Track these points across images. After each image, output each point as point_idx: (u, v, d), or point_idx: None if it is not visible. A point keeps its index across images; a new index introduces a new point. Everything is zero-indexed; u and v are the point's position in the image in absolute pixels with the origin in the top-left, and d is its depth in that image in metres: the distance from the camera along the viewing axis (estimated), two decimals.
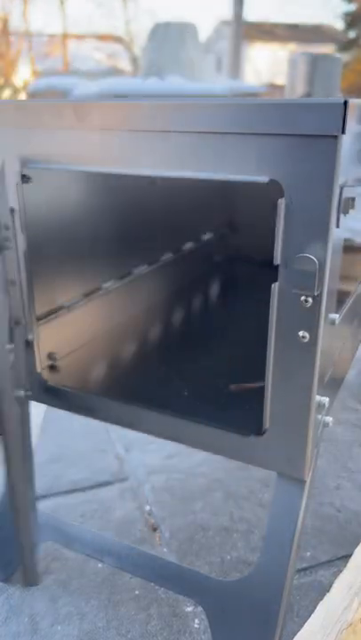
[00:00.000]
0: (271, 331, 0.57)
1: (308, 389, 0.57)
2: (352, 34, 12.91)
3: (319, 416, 0.62)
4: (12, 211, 0.67)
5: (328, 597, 0.61)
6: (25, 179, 0.68)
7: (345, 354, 0.81)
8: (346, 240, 0.62)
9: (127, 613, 0.76)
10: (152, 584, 0.80)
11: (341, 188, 0.53)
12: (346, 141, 0.51)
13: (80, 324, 0.86)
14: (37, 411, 0.83)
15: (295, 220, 0.52)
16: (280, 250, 0.54)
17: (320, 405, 0.60)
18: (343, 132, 0.48)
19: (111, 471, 1.06)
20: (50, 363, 0.80)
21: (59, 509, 0.96)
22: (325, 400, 0.61)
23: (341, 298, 0.67)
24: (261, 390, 0.67)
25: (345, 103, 0.48)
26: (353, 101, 0.51)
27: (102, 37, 16.36)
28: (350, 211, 0.56)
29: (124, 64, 15.63)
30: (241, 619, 0.64)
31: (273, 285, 0.55)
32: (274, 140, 0.51)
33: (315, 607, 0.68)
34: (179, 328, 0.96)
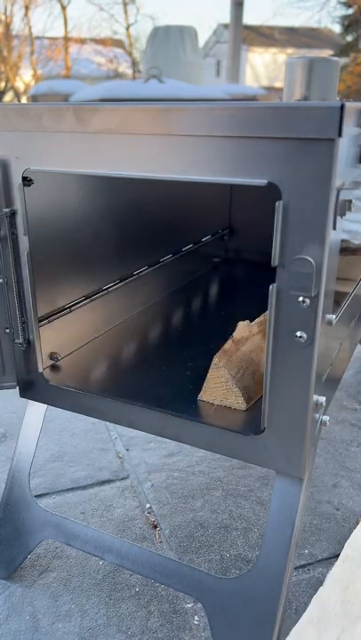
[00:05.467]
0: (270, 331, 0.57)
1: (306, 389, 0.58)
2: (350, 37, 12.93)
3: (317, 415, 0.63)
4: (14, 212, 0.68)
5: (321, 591, 0.61)
6: (26, 181, 0.69)
7: (342, 354, 0.82)
8: (343, 242, 0.63)
9: (128, 610, 0.77)
10: (152, 581, 0.81)
11: (338, 191, 0.54)
12: (343, 144, 0.52)
13: (81, 324, 0.87)
14: (38, 410, 0.84)
15: (293, 222, 0.53)
16: (278, 251, 0.55)
17: (318, 404, 0.61)
18: (340, 135, 0.49)
19: (112, 469, 1.07)
20: (51, 362, 0.81)
21: (60, 507, 0.96)
22: (323, 399, 0.62)
23: (338, 299, 0.68)
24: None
25: (342, 107, 0.49)
26: (350, 105, 0.52)
27: (103, 41, 16.40)
28: (347, 213, 0.56)
29: (125, 68, 15.67)
30: (240, 615, 0.65)
31: (271, 286, 0.56)
32: (272, 143, 0.52)
33: None
34: (179, 328, 0.96)
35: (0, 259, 0.70)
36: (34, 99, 6.45)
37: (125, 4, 15.73)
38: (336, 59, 0.85)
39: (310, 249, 0.53)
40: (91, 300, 0.89)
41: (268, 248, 0.55)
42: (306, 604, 0.75)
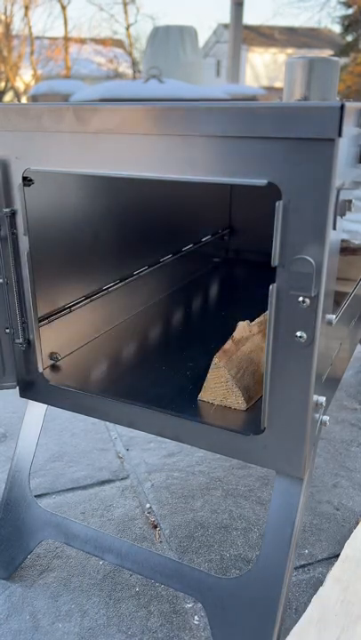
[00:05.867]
0: (270, 331, 0.57)
1: (306, 389, 0.58)
2: (350, 37, 12.94)
3: (317, 415, 0.63)
4: (14, 212, 0.68)
5: (321, 591, 0.62)
6: (26, 181, 0.69)
7: (342, 354, 0.82)
8: (343, 242, 0.63)
9: (128, 610, 0.77)
10: (152, 581, 0.81)
11: (338, 191, 0.54)
12: (343, 144, 0.52)
13: (81, 324, 0.87)
14: (38, 410, 0.84)
15: (293, 222, 0.53)
16: (278, 251, 0.55)
17: (318, 404, 0.61)
18: (340, 135, 0.49)
19: (112, 469, 1.07)
20: (51, 362, 0.81)
21: (60, 507, 0.96)
22: (323, 399, 0.62)
23: (338, 299, 0.68)
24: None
25: (342, 107, 0.49)
26: (350, 105, 0.52)
27: (103, 41, 16.41)
28: (347, 213, 0.56)
29: (125, 68, 15.68)
30: (240, 615, 0.65)
31: (271, 286, 0.56)
32: (272, 143, 0.52)
33: None
34: (179, 328, 0.96)
35: (0, 259, 0.70)
36: (34, 99, 6.45)
37: (125, 4, 15.74)
38: (336, 59, 0.85)
39: (310, 249, 0.53)
40: (91, 300, 0.89)
41: (268, 248, 0.55)
42: (306, 604, 0.75)
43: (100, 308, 0.91)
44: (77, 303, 0.86)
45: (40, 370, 0.74)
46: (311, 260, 0.53)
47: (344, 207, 0.55)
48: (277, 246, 0.54)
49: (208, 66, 14.91)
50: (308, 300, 0.55)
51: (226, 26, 13.88)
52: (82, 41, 16.02)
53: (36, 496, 0.82)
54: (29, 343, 0.73)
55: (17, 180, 0.67)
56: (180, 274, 1.17)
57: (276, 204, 0.53)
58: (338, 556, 0.84)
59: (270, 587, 0.63)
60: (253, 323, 0.78)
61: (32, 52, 14.31)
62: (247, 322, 0.77)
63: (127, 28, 15.98)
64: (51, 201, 0.78)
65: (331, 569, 0.80)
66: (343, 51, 12.43)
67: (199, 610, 0.77)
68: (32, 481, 1.01)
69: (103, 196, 0.90)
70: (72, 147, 0.62)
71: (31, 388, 0.76)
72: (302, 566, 0.85)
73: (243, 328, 0.76)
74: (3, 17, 13.74)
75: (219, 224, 1.38)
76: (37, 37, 15.07)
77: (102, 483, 1.03)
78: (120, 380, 0.78)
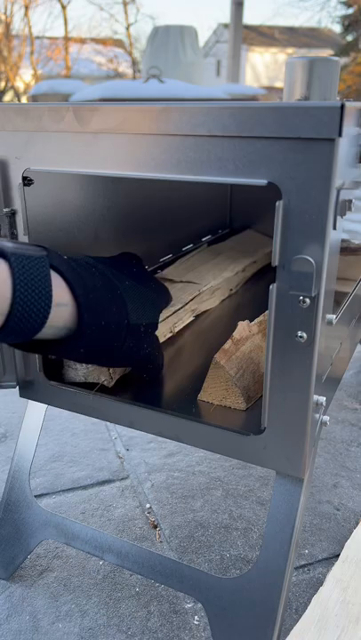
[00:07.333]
0: (270, 330, 0.57)
1: (306, 389, 0.58)
2: (350, 37, 12.95)
3: (317, 415, 0.63)
4: (14, 212, 0.68)
5: (321, 591, 0.62)
6: (26, 181, 0.69)
7: (342, 354, 0.82)
8: (343, 242, 0.63)
9: (128, 610, 0.77)
10: (152, 581, 0.81)
11: (338, 191, 0.54)
12: (343, 144, 0.52)
13: None
14: (38, 410, 0.84)
15: (293, 222, 0.53)
16: (278, 251, 0.55)
17: (318, 404, 0.61)
18: (340, 135, 0.49)
19: (112, 469, 1.07)
20: (51, 362, 0.81)
21: (60, 507, 0.96)
22: (323, 399, 0.61)
23: (338, 299, 0.68)
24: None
25: (342, 107, 0.49)
26: (350, 104, 0.52)
27: (103, 41, 16.42)
28: (347, 213, 0.56)
29: (125, 68, 15.69)
30: (240, 615, 0.65)
31: (271, 286, 0.56)
32: (272, 143, 0.52)
33: None
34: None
35: None
36: (34, 99, 6.44)
37: (125, 4, 15.74)
38: (336, 59, 0.85)
39: (310, 249, 0.53)
40: None
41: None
42: (306, 604, 0.75)
43: None
44: None
45: (40, 370, 0.74)
46: (311, 260, 0.53)
47: (344, 207, 0.55)
48: (277, 246, 0.54)
49: (208, 66, 14.91)
50: (308, 300, 0.55)
51: (226, 26, 13.89)
52: (82, 41, 16.03)
53: (36, 496, 0.82)
54: None
55: (17, 180, 0.67)
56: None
57: (277, 203, 0.53)
58: (338, 556, 0.84)
59: (270, 587, 0.63)
60: (253, 323, 0.78)
61: (32, 52, 14.33)
62: (247, 322, 0.77)
63: (127, 28, 15.99)
64: (51, 201, 0.78)
65: (331, 569, 0.80)
66: (343, 51, 12.44)
67: (199, 610, 0.77)
68: (32, 481, 1.01)
69: (103, 196, 0.90)
70: (72, 147, 0.62)
71: (31, 387, 0.76)
72: (302, 566, 0.85)
73: (243, 328, 0.76)
74: (3, 17, 13.75)
75: (219, 224, 1.38)
76: (37, 37, 15.09)
77: (102, 483, 1.03)
78: (120, 380, 0.78)
